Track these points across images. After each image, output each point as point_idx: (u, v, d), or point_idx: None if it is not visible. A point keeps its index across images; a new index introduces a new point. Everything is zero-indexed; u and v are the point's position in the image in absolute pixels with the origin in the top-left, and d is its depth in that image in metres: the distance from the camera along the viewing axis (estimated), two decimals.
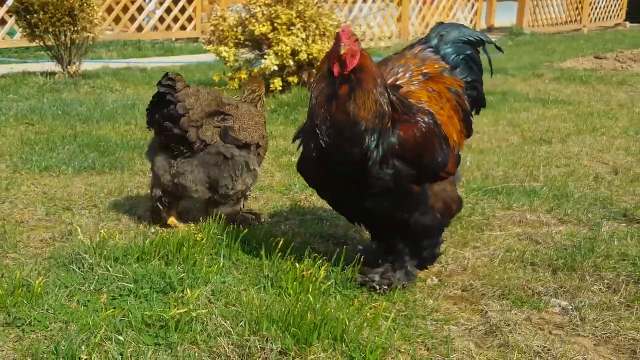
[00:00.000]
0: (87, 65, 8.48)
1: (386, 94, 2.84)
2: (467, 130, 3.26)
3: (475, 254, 3.54)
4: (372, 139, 2.79)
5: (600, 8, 19.28)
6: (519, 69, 10.52)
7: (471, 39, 3.36)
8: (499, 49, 3.54)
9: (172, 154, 3.65)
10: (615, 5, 19.99)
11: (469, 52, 3.34)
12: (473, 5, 14.72)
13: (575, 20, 18.40)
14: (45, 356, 2.42)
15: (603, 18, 19.55)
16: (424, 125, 2.93)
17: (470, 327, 2.81)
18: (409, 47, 3.38)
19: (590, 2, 18.66)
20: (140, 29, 10.94)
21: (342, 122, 2.77)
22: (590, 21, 18.89)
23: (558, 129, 6.51)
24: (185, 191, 3.71)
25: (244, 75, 7.29)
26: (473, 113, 3.38)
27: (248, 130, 3.78)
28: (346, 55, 2.76)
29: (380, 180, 2.84)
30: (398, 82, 3.09)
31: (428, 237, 3.08)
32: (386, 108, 2.81)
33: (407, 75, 3.13)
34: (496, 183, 4.68)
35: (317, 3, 7.49)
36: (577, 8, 18.38)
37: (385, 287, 3.03)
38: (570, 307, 2.97)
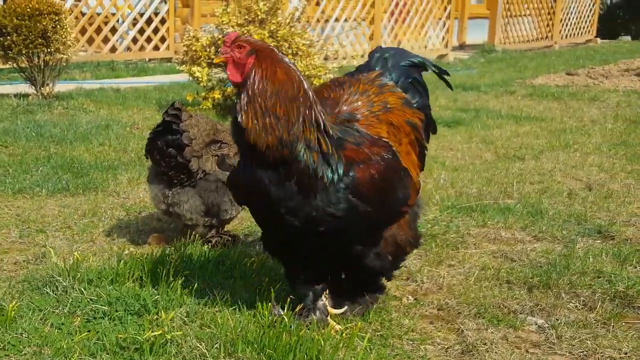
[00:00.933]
0: (61, 87, 8.42)
1: (310, 112, 2.55)
2: (422, 164, 3.09)
3: (450, 272, 3.55)
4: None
5: (571, 25, 19.55)
6: (492, 85, 10.62)
7: (415, 61, 3.15)
8: (444, 72, 3.27)
9: (169, 183, 3.67)
10: (586, 22, 20.29)
11: (415, 75, 3.13)
12: (445, 23, 14.86)
13: (547, 37, 18.63)
14: None
15: (574, 34, 19.83)
16: (381, 160, 2.70)
17: (446, 346, 2.81)
18: (358, 70, 3.14)
19: (561, 19, 18.92)
20: (113, 49, 10.90)
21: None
22: (562, 37, 19.15)
23: (531, 145, 6.58)
24: (179, 220, 3.74)
25: (217, 95, 7.29)
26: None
27: None
28: (226, 64, 2.58)
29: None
30: (358, 113, 2.85)
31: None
32: (301, 128, 2.52)
33: (368, 105, 2.89)
34: (470, 200, 4.70)
35: (289, 23, 7.52)
36: (548, 25, 18.62)
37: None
38: (547, 325, 2.98)
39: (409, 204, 2.83)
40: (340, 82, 3.00)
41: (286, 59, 2.62)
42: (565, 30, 19.33)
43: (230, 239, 3.86)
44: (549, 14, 18.55)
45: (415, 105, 3.05)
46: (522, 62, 14.23)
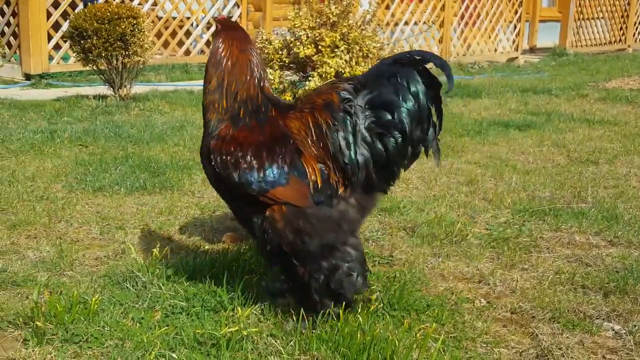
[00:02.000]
0: (137, 89, 8.62)
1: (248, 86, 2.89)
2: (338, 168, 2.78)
3: (523, 275, 3.50)
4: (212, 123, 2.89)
5: None
6: (563, 89, 10.39)
7: (400, 58, 2.82)
8: (444, 68, 2.82)
9: None
10: None
11: (396, 71, 2.78)
12: (515, 26, 14.62)
13: (620, 41, 18.14)
14: None
15: None
16: (245, 133, 2.80)
17: (521, 350, 2.76)
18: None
19: (635, 22, 18.40)
20: (187, 52, 11.10)
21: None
22: (635, 41, 18.62)
23: (605, 149, 6.41)
24: None
25: (288, 97, 7.33)
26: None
27: None
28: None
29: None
30: (299, 107, 2.88)
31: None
32: (228, 102, 2.87)
33: (309, 102, 2.87)
34: (543, 204, 4.61)
35: (360, 26, 7.51)
36: (621, 28, 18.14)
37: None
38: (624, 331, 2.90)
39: (271, 194, 2.73)
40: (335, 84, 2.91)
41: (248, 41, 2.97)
42: (639, 33, 18.78)
43: None
44: (622, 17, 18.05)
45: (364, 102, 2.78)
46: (595, 66, 13.89)
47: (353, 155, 2.74)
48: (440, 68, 2.81)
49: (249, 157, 2.76)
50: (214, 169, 2.82)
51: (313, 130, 2.79)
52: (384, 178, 2.84)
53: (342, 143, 2.74)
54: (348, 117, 2.75)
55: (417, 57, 2.79)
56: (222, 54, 2.93)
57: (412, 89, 2.75)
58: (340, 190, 2.76)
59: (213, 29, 11.13)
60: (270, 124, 2.85)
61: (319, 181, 2.74)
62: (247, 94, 2.89)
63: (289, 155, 2.76)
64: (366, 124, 2.77)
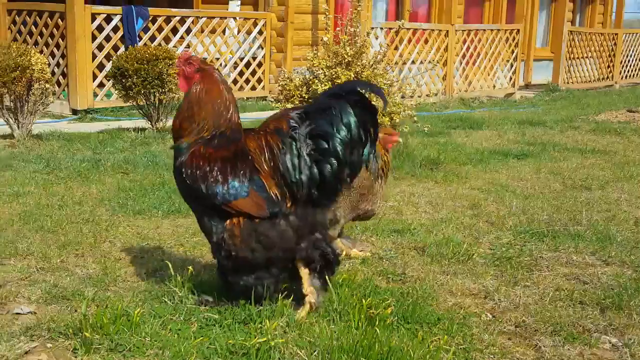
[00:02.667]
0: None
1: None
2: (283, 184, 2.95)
3: (526, 292, 3.46)
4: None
5: (631, 65, 18.93)
6: (557, 121, 10.35)
7: (336, 91, 3.05)
8: (376, 91, 3.12)
9: None
10: None
11: (331, 103, 2.94)
12: (512, 65, 14.61)
13: (608, 77, 18.08)
14: None
15: (633, 75, 19.16)
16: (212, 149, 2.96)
17: None
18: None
19: (621, 61, 18.35)
20: None
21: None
22: (622, 78, 18.54)
23: (597, 176, 6.37)
24: None
25: None
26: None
27: None
28: (178, 75, 3.09)
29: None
30: (261, 129, 3.06)
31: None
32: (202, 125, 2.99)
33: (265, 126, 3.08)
34: (542, 227, 4.58)
35: (372, 65, 7.55)
36: (608, 66, 18.09)
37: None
38: (620, 343, 2.87)
39: (232, 205, 2.92)
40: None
41: (221, 80, 3.07)
42: (625, 71, 18.72)
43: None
44: (609, 55, 18.01)
45: (306, 131, 2.93)
46: (585, 100, 13.83)
47: (297, 175, 2.90)
48: (373, 92, 3.14)
49: (215, 171, 2.94)
50: (185, 182, 2.99)
51: (266, 150, 2.96)
52: (325, 195, 2.99)
53: (289, 164, 2.92)
54: (294, 143, 2.92)
55: (350, 89, 2.98)
56: (199, 88, 3.05)
57: (345, 120, 2.89)
58: (288, 205, 2.93)
59: (238, 69, 11.25)
60: (235, 143, 3.00)
61: (273, 194, 2.91)
62: (216, 121, 3.02)
63: (249, 170, 2.94)
64: (307, 150, 2.92)
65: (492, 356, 2.74)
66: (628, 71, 18.90)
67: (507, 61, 14.55)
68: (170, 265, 3.46)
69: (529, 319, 3.11)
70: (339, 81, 7.24)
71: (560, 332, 2.96)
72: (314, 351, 2.62)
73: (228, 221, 2.95)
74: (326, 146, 2.89)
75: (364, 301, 3.00)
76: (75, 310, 3.07)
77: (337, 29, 8.07)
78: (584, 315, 3.15)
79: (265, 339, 2.66)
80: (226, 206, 2.92)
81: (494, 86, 14.36)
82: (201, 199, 2.98)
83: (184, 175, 2.98)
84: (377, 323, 2.83)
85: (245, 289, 3.00)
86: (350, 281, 3.37)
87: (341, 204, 3.67)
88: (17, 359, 2.61)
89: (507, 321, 3.10)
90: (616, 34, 18.05)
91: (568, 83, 16.52)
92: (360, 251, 3.95)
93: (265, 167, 2.94)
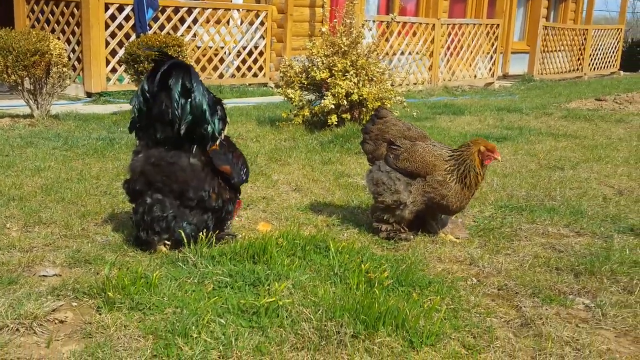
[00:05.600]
0: None
1: None
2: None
3: (507, 259, 3.49)
4: None
5: (598, 59, 18.96)
6: (532, 108, 10.36)
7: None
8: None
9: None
10: (611, 57, 19.64)
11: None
12: (492, 57, 14.60)
13: (578, 69, 18.11)
14: (163, 334, 2.46)
15: (601, 67, 19.20)
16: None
17: (508, 319, 2.76)
18: None
19: (590, 54, 18.36)
20: (221, 76, 11.12)
21: None
22: (590, 70, 18.57)
23: (568, 158, 6.40)
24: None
25: (306, 112, 7.35)
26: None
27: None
28: None
29: None
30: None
31: None
32: None
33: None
34: (520, 202, 4.61)
35: (366, 54, 7.53)
36: (579, 59, 18.11)
37: None
38: (593, 305, 2.90)
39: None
40: None
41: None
42: (593, 63, 18.74)
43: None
44: (579, 49, 18.03)
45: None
46: (557, 90, 13.85)
47: None
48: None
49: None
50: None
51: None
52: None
53: None
54: None
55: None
56: None
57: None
58: None
59: (241, 57, 11.19)
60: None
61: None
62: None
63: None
64: None
65: (478, 315, 2.78)
66: (596, 64, 18.94)
67: (488, 53, 14.54)
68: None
69: (510, 282, 3.14)
70: (335, 68, 7.23)
71: (539, 295, 3.00)
72: (318, 310, 2.64)
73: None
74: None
75: (362, 266, 3.02)
76: (97, 273, 3.08)
77: (334, 20, 8.03)
78: (560, 279, 3.18)
79: (273, 299, 2.68)
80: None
81: (475, 76, 14.36)
82: None
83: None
84: (375, 285, 2.85)
85: None
86: (349, 249, 3.39)
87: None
88: (45, 315, 2.62)
89: (491, 285, 3.13)
90: (587, 30, 18.06)
91: (542, 74, 16.55)
92: (457, 238, 3.80)
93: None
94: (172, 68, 3.24)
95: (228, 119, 3.49)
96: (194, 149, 3.33)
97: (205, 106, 3.25)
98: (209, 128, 3.29)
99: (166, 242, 3.38)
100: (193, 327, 2.46)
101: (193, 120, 3.23)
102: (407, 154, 3.67)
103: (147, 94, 3.27)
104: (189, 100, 3.22)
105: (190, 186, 3.32)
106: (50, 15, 9.68)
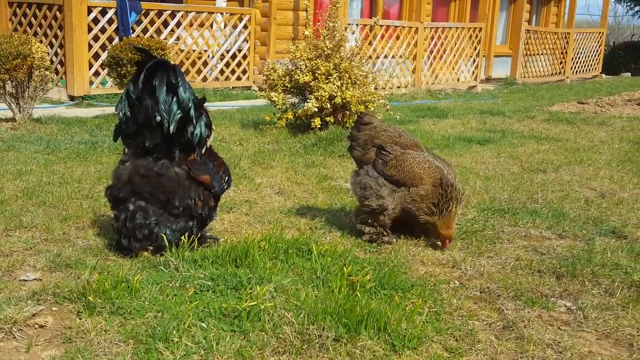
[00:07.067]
0: None
1: None
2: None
3: (489, 262, 3.50)
4: None
5: (580, 62, 19.13)
6: (514, 111, 10.42)
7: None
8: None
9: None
10: (593, 60, 19.83)
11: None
12: (475, 60, 14.68)
13: (560, 73, 18.27)
14: (144, 339, 2.43)
15: (583, 71, 19.38)
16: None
17: (490, 322, 2.77)
18: None
19: (572, 57, 18.53)
20: (204, 79, 11.08)
21: None
22: (573, 73, 18.74)
23: (551, 160, 6.44)
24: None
25: (290, 115, 7.33)
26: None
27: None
28: None
29: None
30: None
31: None
32: None
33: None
34: (502, 204, 4.63)
35: (349, 57, 7.54)
36: (561, 62, 18.26)
37: None
38: (574, 307, 2.91)
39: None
40: None
41: None
42: (575, 67, 18.91)
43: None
44: (562, 53, 18.18)
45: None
46: (540, 93, 13.96)
47: None
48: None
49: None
50: None
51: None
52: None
53: None
54: None
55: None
56: None
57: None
58: None
59: (225, 60, 11.15)
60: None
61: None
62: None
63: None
64: None
65: (460, 318, 2.78)
66: (578, 67, 19.11)
67: (470, 57, 14.62)
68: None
69: (492, 285, 3.15)
70: (319, 72, 7.22)
71: (521, 297, 3.01)
72: (300, 313, 2.63)
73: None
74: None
75: (345, 269, 3.02)
76: (78, 278, 3.04)
77: (318, 24, 8.03)
78: (542, 282, 3.20)
79: (255, 302, 2.66)
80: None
81: (458, 79, 14.44)
82: None
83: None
84: (357, 288, 2.85)
85: None
86: (332, 252, 3.38)
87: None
88: (25, 320, 2.58)
89: (473, 287, 3.14)
90: (568, 33, 18.21)
91: (524, 77, 16.68)
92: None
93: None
94: (157, 66, 3.21)
95: (213, 126, 3.47)
96: (178, 156, 3.30)
97: (191, 103, 3.22)
98: (197, 131, 3.27)
99: (149, 247, 3.35)
100: (174, 332, 2.44)
101: (182, 117, 3.20)
102: (396, 162, 3.67)
103: (133, 96, 3.23)
104: (175, 96, 3.19)
105: (176, 195, 3.29)
106: (32, 18, 9.60)
